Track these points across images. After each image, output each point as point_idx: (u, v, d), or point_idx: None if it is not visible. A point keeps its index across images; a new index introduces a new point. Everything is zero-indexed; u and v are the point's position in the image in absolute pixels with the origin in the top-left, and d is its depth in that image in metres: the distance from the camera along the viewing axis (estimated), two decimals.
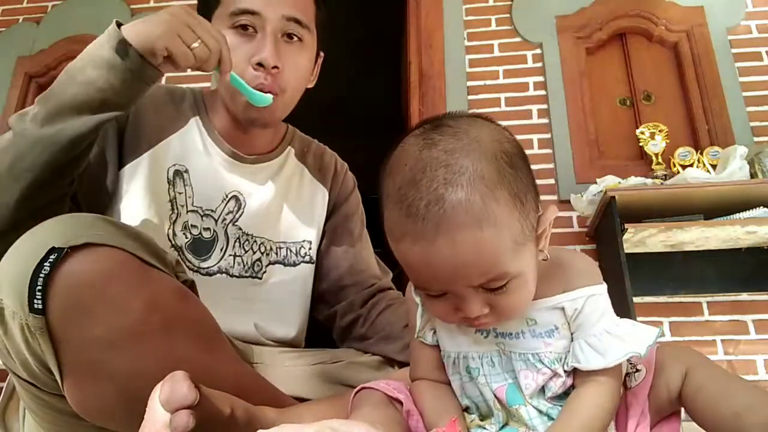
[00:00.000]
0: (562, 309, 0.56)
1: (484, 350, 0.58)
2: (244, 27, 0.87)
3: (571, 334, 0.57)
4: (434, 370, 0.63)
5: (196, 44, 0.73)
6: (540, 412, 0.57)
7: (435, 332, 0.62)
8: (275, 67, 0.86)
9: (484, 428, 0.59)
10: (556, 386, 0.57)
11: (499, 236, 0.49)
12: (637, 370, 0.60)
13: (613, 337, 0.54)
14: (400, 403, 0.61)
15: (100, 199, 0.85)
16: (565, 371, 0.57)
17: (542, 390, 0.57)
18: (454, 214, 0.48)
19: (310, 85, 0.99)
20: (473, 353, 0.59)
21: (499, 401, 0.58)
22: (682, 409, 0.59)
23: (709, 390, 0.56)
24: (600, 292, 0.57)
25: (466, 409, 0.61)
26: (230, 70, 0.79)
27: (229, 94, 0.90)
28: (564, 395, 0.57)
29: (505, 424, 0.58)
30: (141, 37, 0.71)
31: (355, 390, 0.64)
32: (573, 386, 0.57)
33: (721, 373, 0.58)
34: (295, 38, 0.90)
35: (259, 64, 0.86)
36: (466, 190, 0.48)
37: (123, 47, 0.70)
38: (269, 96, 0.86)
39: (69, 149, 0.71)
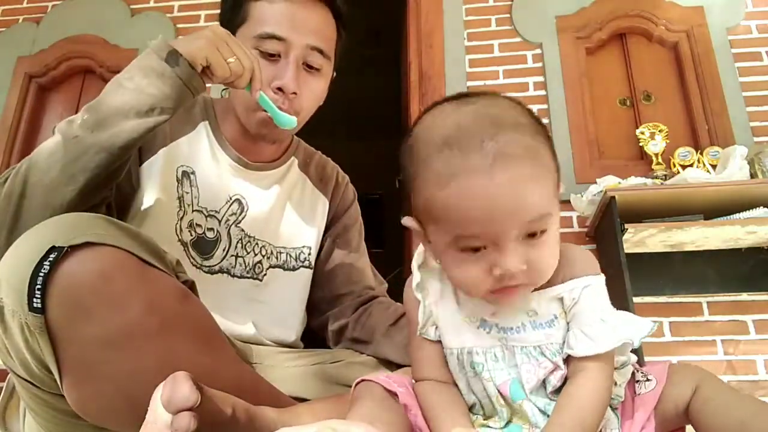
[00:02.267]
0: (561, 299, 0.57)
1: (488, 345, 0.58)
2: (270, 53, 0.89)
3: (567, 323, 0.57)
4: (438, 368, 0.62)
5: (232, 59, 0.77)
6: (540, 409, 0.57)
7: (437, 328, 0.62)
8: (294, 93, 0.89)
9: (489, 426, 0.59)
10: (556, 379, 0.57)
11: (547, 176, 0.52)
12: (648, 380, 0.61)
13: (607, 326, 0.55)
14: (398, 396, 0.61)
15: (127, 196, 0.87)
16: (564, 361, 0.57)
17: (543, 386, 0.58)
18: (510, 148, 0.50)
19: (320, 103, 1.01)
20: (477, 348, 0.59)
21: (503, 397, 0.57)
22: (689, 427, 0.60)
23: (715, 401, 0.56)
24: (597, 282, 0.57)
25: (471, 408, 0.61)
26: (260, 88, 0.82)
27: (243, 108, 0.93)
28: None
29: (509, 422, 0.58)
30: (184, 48, 0.75)
31: (356, 381, 0.63)
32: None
33: (728, 388, 0.58)
34: (315, 67, 0.93)
35: (279, 89, 0.89)
36: (516, 130, 0.51)
37: (174, 57, 0.74)
38: (294, 118, 0.89)
39: (120, 154, 0.73)
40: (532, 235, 0.52)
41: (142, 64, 0.75)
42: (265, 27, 0.89)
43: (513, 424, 0.58)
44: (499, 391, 0.57)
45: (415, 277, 0.63)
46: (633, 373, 0.63)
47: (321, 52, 0.92)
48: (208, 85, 0.80)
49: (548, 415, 0.56)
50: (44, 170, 0.72)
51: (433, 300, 0.62)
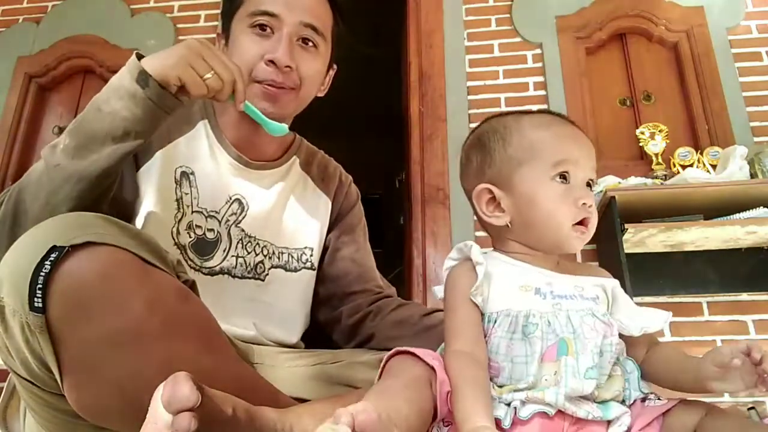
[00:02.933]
0: (602, 287, 0.68)
1: (544, 311, 0.64)
2: (262, 27, 0.90)
3: (608, 309, 0.67)
4: (476, 341, 0.64)
5: (209, 75, 0.75)
6: (578, 370, 0.59)
7: (483, 300, 0.65)
8: (288, 66, 0.89)
9: (518, 389, 0.60)
10: (614, 348, 0.63)
11: None
12: (659, 399, 0.63)
13: (651, 311, 0.66)
14: (434, 370, 0.60)
15: (126, 207, 0.87)
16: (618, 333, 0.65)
17: (595, 352, 0.62)
18: None
19: (321, 95, 1.01)
20: (535, 311, 0.64)
21: (542, 359, 0.61)
22: None
23: (722, 422, 0.58)
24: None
25: (496, 377, 0.63)
26: (244, 100, 0.81)
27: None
28: (597, 370, 0.61)
29: (532, 387, 0.60)
30: (156, 67, 0.73)
31: (390, 353, 0.63)
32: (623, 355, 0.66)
33: (737, 416, 0.62)
34: (310, 44, 0.93)
35: (272, 62, 0.88)
36: None
37: (144, 77, 0.72)
38: (284, 126, 0.88)
39: (98, 183, 0.74)
40: (589, 184, 0.69)
41: (117, 85, 0.74)
42: (259, 5, 0.90)
43: (535, 389, 0.60)
44: (544, 352, 0.61)
45: (475, 248, 0.69)
46: (645, 396, 0.65)
47: (315, 29, 0.92)
48: None
49: (585, 376, 0.59)
50: (32, 198, 0.73)
51: (490, 271, 0.68)
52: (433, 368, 0.60)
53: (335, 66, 1.03)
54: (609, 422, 0.60)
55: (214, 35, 1.01)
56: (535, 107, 2.33)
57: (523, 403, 0.59)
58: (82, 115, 0.75)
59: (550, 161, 0.67)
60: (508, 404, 0.60)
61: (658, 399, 0.64)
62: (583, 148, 0.69)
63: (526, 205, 0.68)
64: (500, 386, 0.62)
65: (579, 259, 2.10)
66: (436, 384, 0.59)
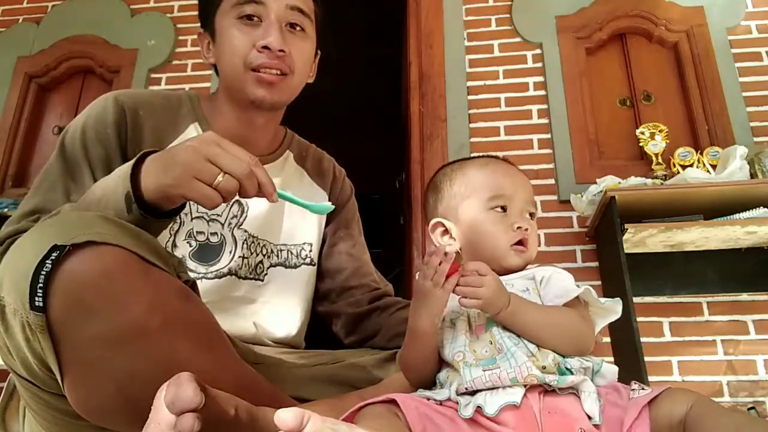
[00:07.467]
0: (533, 278, 0.73)
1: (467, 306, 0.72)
2: (249, 17, 0.90)
3: (539, 296, 0.71)
4: None
5: (220, 178, 0.65)
6: (502, 331, 0.68)
7: None
8: (281, 50, 0.89)
9: (468, 365, 0.66)
10: None
11: None
12: (643, 389, 0.64)
13: (572, 288, 0.71)
14: (396, 404, 0.61)
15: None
16: None
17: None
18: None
19: (310, 80, 1.01)
20: (456, 306, 0.72)
21: (476, 335, 0.69)
22: None
23: (711, 413, 0.58)
24: (567, 274, 0.73)
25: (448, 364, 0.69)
26: (275, 190, 0.70)
27: (233, 75, 0.91)
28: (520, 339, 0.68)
29: (480, 359, 0.67)
30: (154, 185, 0.67)
31: (346, 413, 0.63)
32: None
33: (727, 407, 0.62)
34: (298, 27, 0.93)
35: (265, 47, 0.88)
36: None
37: (129, 202, 0.66)
38: (329, 204, 0.79)
39: None
40: (531, 215, 0.79)
41: (112, 192, 0.69)
42: None
43: (490, 357, 0.66)
44: (474, 327, 0.70)
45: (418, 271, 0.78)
46: (630, 384, 0.66)
47: (301, 11, 0.93)
48: (206, 84, 0.79)
49: (504, 333, 0.67)
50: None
51: None
52: (389, 401, 0.61)
53: (320, 52, 1.03)
54: (579, 399, 0.62)
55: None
56: (535, 107, 2.35)
57: (489, 391, 0.62)
58: (81, 199, 0.73)
59: (487, 195, 0.78)
60: (473, 394, 0.62)
61: (643, 389, 0.64)
62: (518, 184, 0.79)
63: (471, 231, 0.78)
64: (452, 365, 0.67)
65: (579, 258, 2.11)
66: (401, 410, 0.60)
